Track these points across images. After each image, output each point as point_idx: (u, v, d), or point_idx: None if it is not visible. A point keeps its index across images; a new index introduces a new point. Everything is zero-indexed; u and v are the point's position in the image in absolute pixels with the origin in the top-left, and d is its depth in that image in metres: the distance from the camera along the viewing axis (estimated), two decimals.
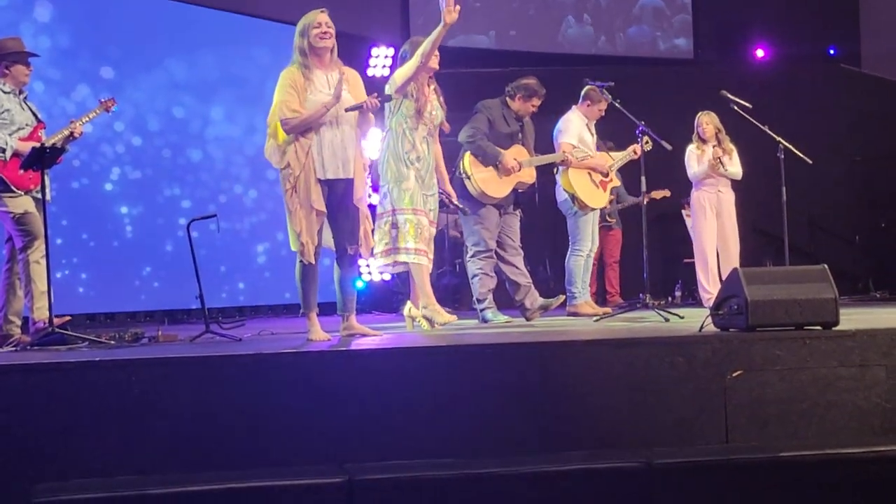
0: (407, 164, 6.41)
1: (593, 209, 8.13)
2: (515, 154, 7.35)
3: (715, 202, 8.63)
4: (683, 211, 11.05)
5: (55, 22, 9.34)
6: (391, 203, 6.40)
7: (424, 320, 6.45)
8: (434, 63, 6.48)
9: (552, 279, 10.63)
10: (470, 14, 12.26)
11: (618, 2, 13.03)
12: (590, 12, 12.95)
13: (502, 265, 7.35)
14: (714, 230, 8.62)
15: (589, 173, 8.10)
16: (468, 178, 7.20)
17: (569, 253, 8.16)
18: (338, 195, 5.74)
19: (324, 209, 5.65)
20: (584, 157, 8.10)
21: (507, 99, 7.47)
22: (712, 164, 8.51)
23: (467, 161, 7.29)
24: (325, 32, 5.70)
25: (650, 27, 13.05)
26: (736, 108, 7.97)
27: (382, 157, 6.50)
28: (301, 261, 5.66)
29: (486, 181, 7.25)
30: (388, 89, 6.40)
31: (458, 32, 12.00)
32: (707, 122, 8.70)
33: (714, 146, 8.60)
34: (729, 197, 8.70)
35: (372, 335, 5.88)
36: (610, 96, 7.68)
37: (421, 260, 6.39)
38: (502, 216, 7.35)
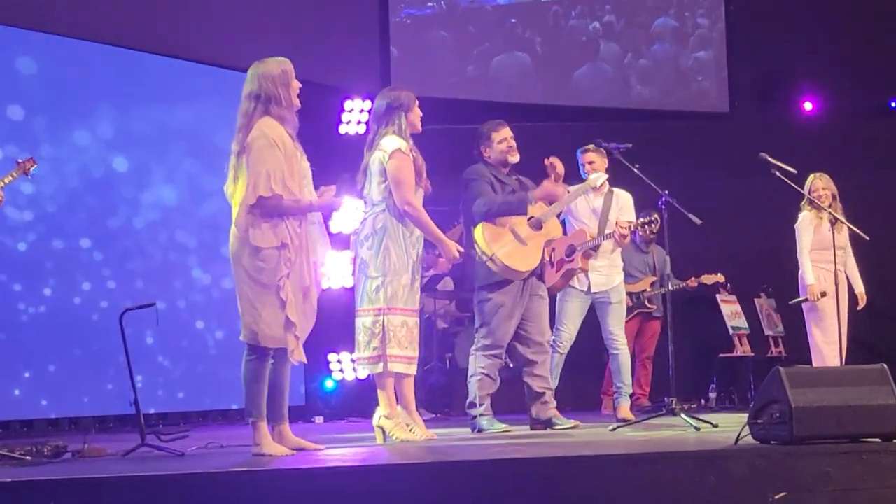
0: (407, 253, 6.52)
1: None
2: (536, 211, 7.39)
3: (832, 282, 8.30)
4: (718, 296, 11.42)
5: None
6: (383, 299, 6.45)
7: (380, 431, 6.55)
8: (418, 124, 6.70)
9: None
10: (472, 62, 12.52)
11: (633, 27, 13.26)
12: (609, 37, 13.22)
13: (524, 365, 7.41)
14: (835, 316, 8.29)
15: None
16: (491, 259, 7.23)
17: None
18: None
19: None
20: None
21: (483, 157, 7.51)
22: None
23: (482, 239, 7.29)
24: (299, 87, 5.82)
25: (671, 44, 13.33)
26: (778, 173, 7.69)
27: (377, 241, 6.49)
28: (252, 358, 5.62)
29: (510, 255, 7.25)
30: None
31: (461, 87, 12.26)
32: (823, 186, 8.50)
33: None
34: (843, 277, 8.53)
35: (313, 449, 5.86)
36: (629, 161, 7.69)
37: (410, 369, 6.55)
38: (523, 298, 7.34)
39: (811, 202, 8.38)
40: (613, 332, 8.37)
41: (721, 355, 11.59)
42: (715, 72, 13.30)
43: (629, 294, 9.72)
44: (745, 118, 12.97)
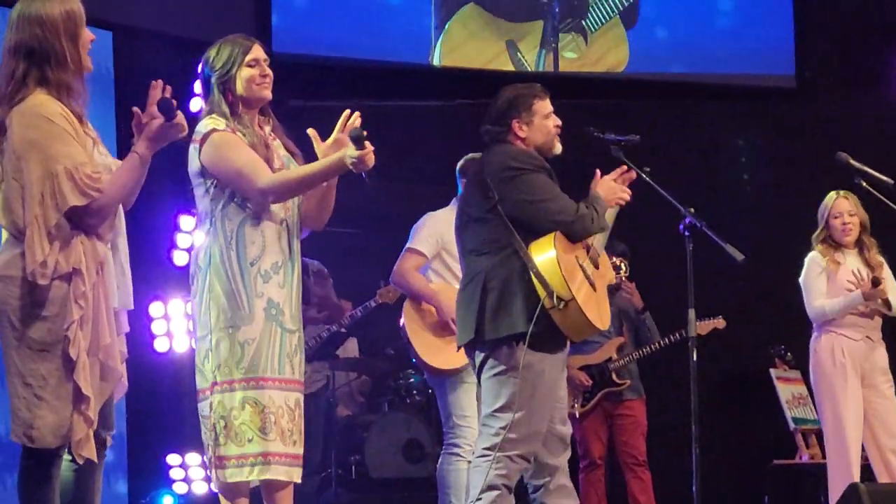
0: (251, 290, 5.35)
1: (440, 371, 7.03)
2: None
3: (859, 357, 7.63)
4: (773, 370, 10.24)
5: None
6: (213, 371, 5.29)
7: None
8: (263, 91, 5.53)
9: None
10: None
11: None
12: None
13: (536, 476, 6.10)
14: (858, 405, 7.63)
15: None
16: (566, 304, 5.80)
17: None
18: None
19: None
20: None
21: (512, 137, 6.05)
22: (868, 293, 7.64)
23: (557, 271, 5.73)
24: (91, 40, 4.96)
25: None
26: (864, 182, 7.14)
27: (200, 282, 5.35)
28: (29, 464, 4.65)
29: (587, 302, 5.91)
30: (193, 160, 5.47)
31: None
32: (845, 209, 7.69)
33: (863, 255, 7.74)
34: (881, 351, 7.80)
35: None
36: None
37: (258, 473, 5.24)
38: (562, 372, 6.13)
39: (829, 235, 7.82)
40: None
41: (776, 462, 10.06)
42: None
43: (586, 368, 8.62)
44: (817, 100, 11.39)
